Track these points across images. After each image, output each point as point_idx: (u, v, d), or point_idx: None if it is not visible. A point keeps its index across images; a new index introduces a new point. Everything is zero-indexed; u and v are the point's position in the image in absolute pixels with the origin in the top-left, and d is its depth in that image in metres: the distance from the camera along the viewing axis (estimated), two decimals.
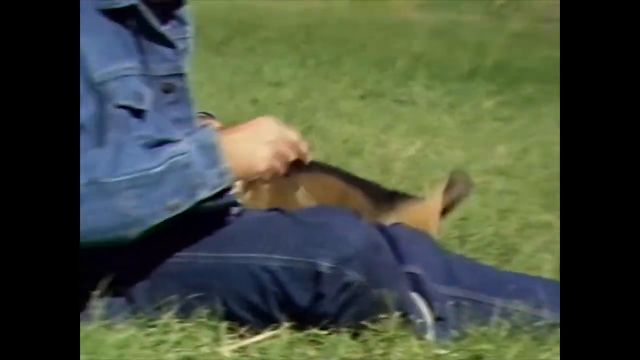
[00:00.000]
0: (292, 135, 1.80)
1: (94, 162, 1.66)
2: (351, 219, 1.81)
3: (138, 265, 1.78)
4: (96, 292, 1.75)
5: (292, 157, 1.80)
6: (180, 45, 1.88)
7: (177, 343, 1.72)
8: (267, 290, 1.76)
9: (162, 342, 1.72)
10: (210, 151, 1.71)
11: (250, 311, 1.78)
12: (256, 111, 4.19)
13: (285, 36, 6.87)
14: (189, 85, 1.89)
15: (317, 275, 1.74)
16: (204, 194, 1.70)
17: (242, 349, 1.75)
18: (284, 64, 5.67)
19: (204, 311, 1.77)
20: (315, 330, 1.77)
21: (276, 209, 1.88)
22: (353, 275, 1.74)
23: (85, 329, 1.71)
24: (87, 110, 1.72)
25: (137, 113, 1.78)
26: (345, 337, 1.78)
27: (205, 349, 1.72)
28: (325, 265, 1.74)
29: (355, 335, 1.79)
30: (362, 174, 2.43)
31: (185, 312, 1.78)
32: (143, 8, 1.79)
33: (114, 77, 1.75)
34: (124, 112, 1.76)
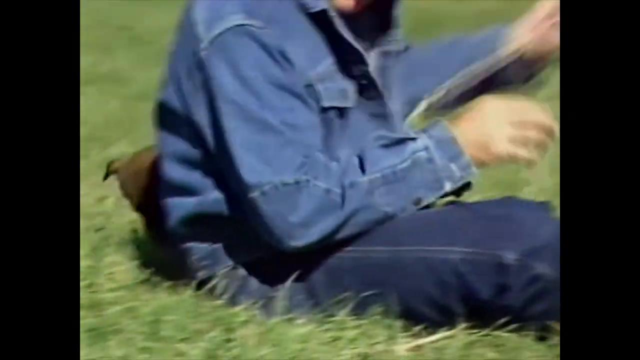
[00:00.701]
0: (525, 105, 1.78)
1: (343, 167, 1.75)
2: (539, 211, 1.79)
3: (318, 258, 1.82)
4: (281, 287, 1.81)
5: (534, 133, 1.76)
6: (381, 46, 1.92)
7: (353, 340, 1.75)
8: (447, 284, 1.75)
9: (338, 338, 1.76)
10: (449, 145, 1.76)
11: (428, 305, 1.78)
12: None
13: None
14: (383, 83, 1.91)
15: (502, 268, 1.72)
16: (449, 186, 1.77)
17: (417, 348, 1.75)
18: None
19: (378, 309, 1.79)
20: (495, 332, 1.74)
21: (454, 202, 1.88)
22: (542, 267, 1.71)
23: (269, 322, 1.78)
24: (307, 113, 1.79)
25: (341, 113, 1.84)
26: (529, 339, 1.74)
27: (379, 347, 1.74)
28: (510, 257, 1.71)
29: (541, 339, 1.74)
30: None
31: (360, 309, 1.80)
32: (332, 14, 1.82)
33: (322, 78, 1.81)
34: (330, 113, 1.83)
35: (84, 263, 2.01)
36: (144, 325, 1.73)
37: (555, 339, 1.72)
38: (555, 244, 1.65)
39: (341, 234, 1.77)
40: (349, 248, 1.81)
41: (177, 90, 1.84)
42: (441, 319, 1.78)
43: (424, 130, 1.80)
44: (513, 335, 1.74)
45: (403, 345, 1.75)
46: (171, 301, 1.83)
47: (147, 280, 1.96)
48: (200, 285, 1.88)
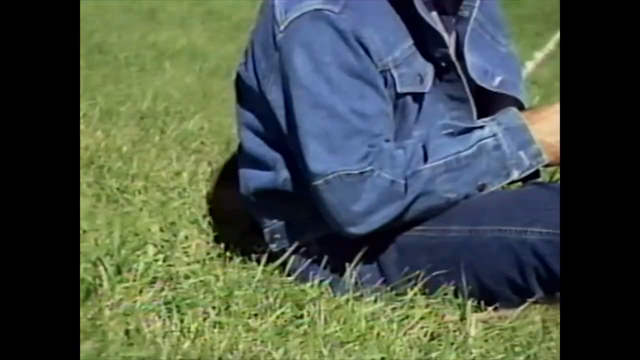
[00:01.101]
0: None
1: (408, 157, 1.76)
2: None
3: (390, 237, 1.83)
4: (351, 264, 1.82)
5: None
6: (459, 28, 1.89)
7: (422, 319, 1.76)
8: (526, 264, 1.75)
9: (407, 316, 1.76)
10: (518, 133, 1.76)
11: (505, 285, 1.77)
12: None
13: None
14: (464, 65, 1.88)
15: None
16: (517, 174, 1.77)
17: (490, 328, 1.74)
18: None
19: (450, 288, 1.79)
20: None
21: (533, 182, 1.87)
22: None
23: (338, 299, 1.79)
24: (378, 101, 1.79)
25: (417, 97, 1.84)
26: None
27: (450, 326, 1.74)
28: None
29: None
30: None
31: (431, 288, 1.81)
32: None
33: (399, 64, 1.81)
34: (407, 98, 1.83)
35: (160, 237, 2.05)
36: (216, 300, 1.76)
37: None
38: None
39: (402, 220, 1.78)
40: (423, 227, 1.81)
41: (254, 69, 1.85)
42: (517, 298, 1.77)
43: (493, 118, 1.79)
44: None
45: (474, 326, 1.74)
46: (242, 276, 1.86)
47: (220, 255, 1.99)
48: (271, 260, 1.90)
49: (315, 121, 1.76)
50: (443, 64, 1.85)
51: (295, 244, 1.88)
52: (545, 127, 1.77)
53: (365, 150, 1.75)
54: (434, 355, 1.65)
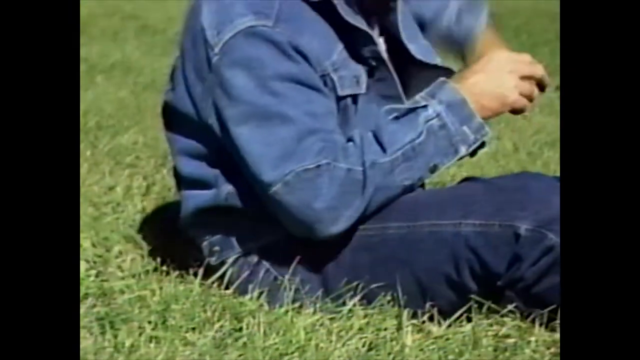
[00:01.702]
0: (527, 57, 1.82)
1: (359, 145, 1.76)
2: (552, 182, 1.76)
3: (327, 244, 1.80)
4: (288, 274, 1.81)
5: (535, 79, 1.80)
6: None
7: (360, 329, 1.75)
8: (460, 258, 1.75)
9: (346, 328, 1.75)
10: (460, 108, 1.77)
11: (442, 281, 1.77)
12: None
13: None
14: (394, 65, 1.90)
15: (515, 239, 1.71)
16: (464, 150, 1.78)
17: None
18: None
19: (386, 298, 1.79)
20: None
21: (468, 178, 1.89)
22: (556, 237, 1.69)
23: (277, 311, 1.78)
24: (325, 101, 1.79)
25: (355, 99, 1.84)
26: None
27: (387, 336, 1.74)
28: (524, 227, 1.71)
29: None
30: None
31: (370, 297, 1.80)
32: (336, 1, 1.81)
33: (337, 67, 1.82)
34: (346, 100, 1.83)
35: (93, 252, 2.02)
36: (152, 314, 1.74)
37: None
38: None
39: (365, 214, 1.78)
40: (364, 226, 1.81)
41: (187, 94, 1.84)
42: (455, 297, 1.77)
43: (432, 94, 1.80)
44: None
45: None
46: (179, 290, 1.84)
47: (155, 269, 1.96)
48: (208, 274, 1.89)
49: (266, 132, 1.75)
50: (374, 63, 1.86)
51: (236, 254, 1.86)
52: (480, 79, 1.79)
53: (319, 146, 1.75)
54: None
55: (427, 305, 1.79)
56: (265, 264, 1.85)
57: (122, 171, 2.66)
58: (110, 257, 2.02)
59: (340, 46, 1.83)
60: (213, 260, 1.89)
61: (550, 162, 2.95)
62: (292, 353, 1.66)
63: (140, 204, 2.35)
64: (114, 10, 6.36)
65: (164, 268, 1.96)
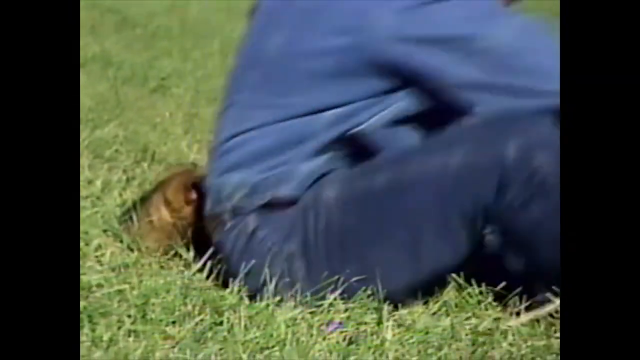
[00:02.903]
0: None
1: None
2: (539, 108, 1.70)
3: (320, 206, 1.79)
4: (269, 269, 1.80)
5: None
6: None
7: (341, 324, 1.75)
8: (447, 194, 1.70)
9: (326, 321, 1.76)
10: None
11: (430, 225, 1.73)
12: None
13: None
14: None
15: (502, 164, 1.68)
16: None
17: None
18: None
19: (365, 293, 1.79)
20: None
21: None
22: (542, 159, 1.66)
23: (258, 304, 1.78)
24: None
25: None
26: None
27: (368, 330, 1.75)
28: (510, 152, 1.67)
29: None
30: None
31: (350, 292, 1.80)
32: None
33: None
34: None
35: None
36: (131, 308, 1.73)
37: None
38: (554, 138, 1.61)
39: None
40: (349, 185, 1.78)
41: None
42: (443, 246, 1.74)
43: None
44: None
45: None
46: (159, 284, 1.83)
47: (135, 263, 1.95)
48: (189, 267, 1.88)
49: None
50: None
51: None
52: None
53: None
54: (352, 359, 1.65)
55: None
56: (260, 234, 1.82)
57: (101, 165, 2.64)
58: (89, 250, 2.00)
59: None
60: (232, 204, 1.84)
61: None
62: (273, 347, 1.66)
63: (119, 198, 2.33)
64: (93, 4, 6.33)
65: (143, 261, 1.95)
